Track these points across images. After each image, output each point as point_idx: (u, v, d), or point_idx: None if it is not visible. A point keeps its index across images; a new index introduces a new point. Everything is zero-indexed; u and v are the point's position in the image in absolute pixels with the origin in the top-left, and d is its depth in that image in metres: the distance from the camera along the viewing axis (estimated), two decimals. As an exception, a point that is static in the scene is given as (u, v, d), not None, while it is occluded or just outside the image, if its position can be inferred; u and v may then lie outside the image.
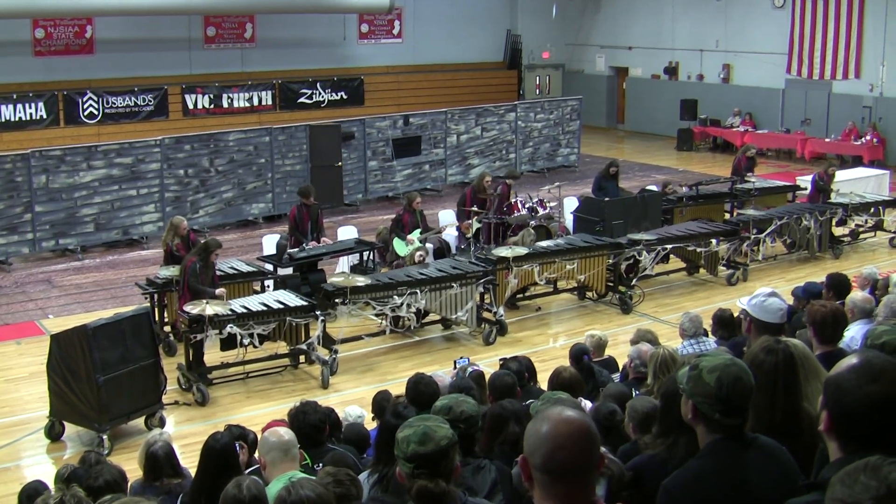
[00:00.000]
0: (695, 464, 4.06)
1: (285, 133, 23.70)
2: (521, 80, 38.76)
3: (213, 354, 13.35)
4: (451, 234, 18.89)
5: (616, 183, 20.27)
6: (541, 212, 18.17)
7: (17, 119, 29.25)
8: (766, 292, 6.24)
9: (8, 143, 28.21)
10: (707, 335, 10.02)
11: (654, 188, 20.15)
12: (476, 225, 17.86)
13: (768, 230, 18.21)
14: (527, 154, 28.53)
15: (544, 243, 16.45)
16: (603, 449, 3.90)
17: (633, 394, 7.63)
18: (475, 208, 17.77)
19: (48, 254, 19.82)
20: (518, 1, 37.80)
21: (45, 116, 29.50)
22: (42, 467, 10.93)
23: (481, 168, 25.67)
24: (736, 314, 9.58)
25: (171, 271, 14.49)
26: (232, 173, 22.72)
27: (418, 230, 16.65)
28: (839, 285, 9.94)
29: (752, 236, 17.97)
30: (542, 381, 9.02)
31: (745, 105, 32.99)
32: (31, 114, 29.46)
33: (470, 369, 9.13)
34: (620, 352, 10.97)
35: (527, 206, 18.33)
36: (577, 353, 9.75)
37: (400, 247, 16.73)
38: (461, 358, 10.00)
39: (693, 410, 4.03)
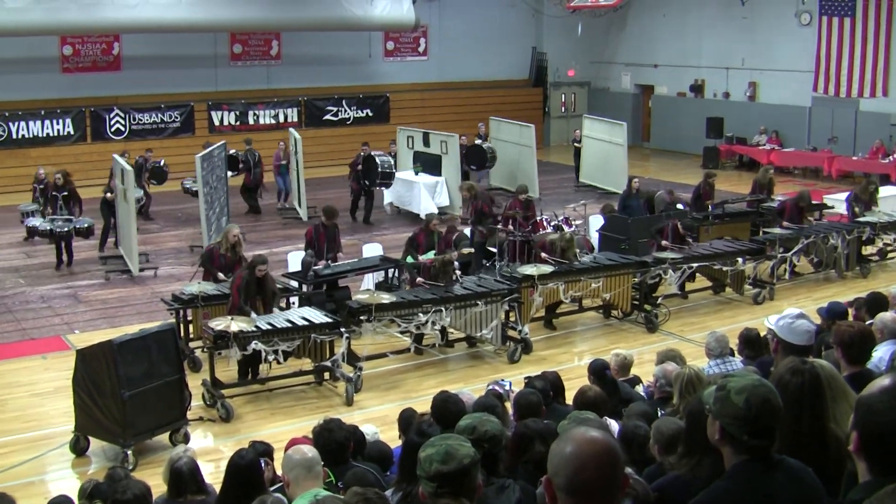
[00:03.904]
0: (721, 485, 4.01)
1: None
2: (547, 97, 38.79)
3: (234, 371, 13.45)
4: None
5: (639, 199, 20.21)
6: (566, 230, 18.10)
7: (44, 135, 29.58)
8: (795, 313, 6.19)
9: (35, 158, 28.45)
10: (733, 355, 9.96)
11: (679, 206, 20.08)
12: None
13: (795, 249, 18.12)
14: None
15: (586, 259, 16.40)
16: (627, 469, 3.88)
17: (658, 413, 7.59)
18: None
19: (75, 269, 19.86)
20: (543, 18, 37.84)
21: (72, 132, 29.78)
22: (67, 482, 10.96)
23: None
24: (763, 333, 9.52)
25: (198, 287, 14.54)
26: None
27: (432, 252, 16.49)
28: (875, 303, 9.82)
29: (779, 255, 17.88)
30: (568, 400, 8.97)
31: (771, 123, 32.88)
32: (58, 129, 29.76)
33: (489, 387, 9.07)
34: (645, 371, 10.90)
35: (552, 223, 18.31)
36: (599, 369, 9.60)
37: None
38: (502, 379, 9.85)
39: (720, 431, 3.98)
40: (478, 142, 26.85)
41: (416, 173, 25.92)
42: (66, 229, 19.52)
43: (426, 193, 25.23)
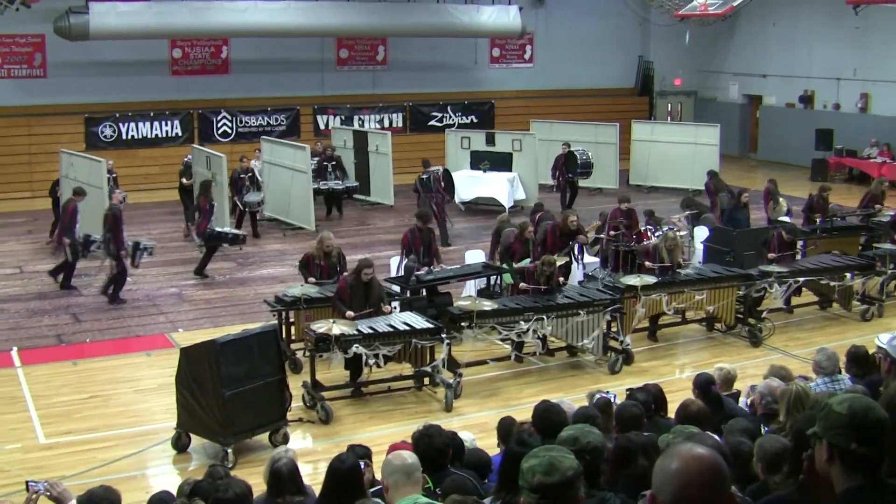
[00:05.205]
0: (831, 507, 3.90)
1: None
2: (653, 106, 38.48)
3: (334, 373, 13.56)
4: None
5: (747, 212, 19.98)
6: (670, 234, 17.87)
7: (153, 136, 30.18)
8: (909, 333, 6.03)
9: (143, 158, 29.08)
10: (840, 372, 9.74)
11: (786, 219, 19.78)
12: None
13: (905, 265, 17.68)
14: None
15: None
16: (732, 488, 3.80)
17: (762, 430, 7.45)
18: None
19: (179, 268, 20.19)
20: (650, 27, 37.58)
21: (180, 134, 30.32)
22: (168, 477, 11.12)
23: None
24: (871, 351, 9.30)
25: (300, 289, 14.66)
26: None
27: (528, 259, 16.41)
28: None
29: (889, 271, 17.45)
30: (670, 413, 8.84)
31: (883, 135, 32.12)
32: (166, 131, 30.34)
33: (597, 396, 8.93)
34: (749, 385, 10.72)
35: (656, 234, 18.14)
36: (704, 384, 9.36)
37: (507, 277, 16.62)
38: (607, 391, 9.72)
39: (828, 450, 3.85)
40: (572, 149, 26.80)
41: (484, 171, 27.36)
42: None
43: (507, 187, 26.73)
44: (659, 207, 21.49)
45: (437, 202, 23.17)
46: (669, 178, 29.60)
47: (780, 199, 21.50)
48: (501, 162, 27.57)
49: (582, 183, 27.18)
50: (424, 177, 23.72)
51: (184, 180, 23.73)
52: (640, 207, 20.82)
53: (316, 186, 25.20)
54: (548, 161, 27.44)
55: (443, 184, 23.97)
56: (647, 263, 16.24)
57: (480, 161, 27.65)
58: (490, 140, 28.32)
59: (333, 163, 25.50)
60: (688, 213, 20.66)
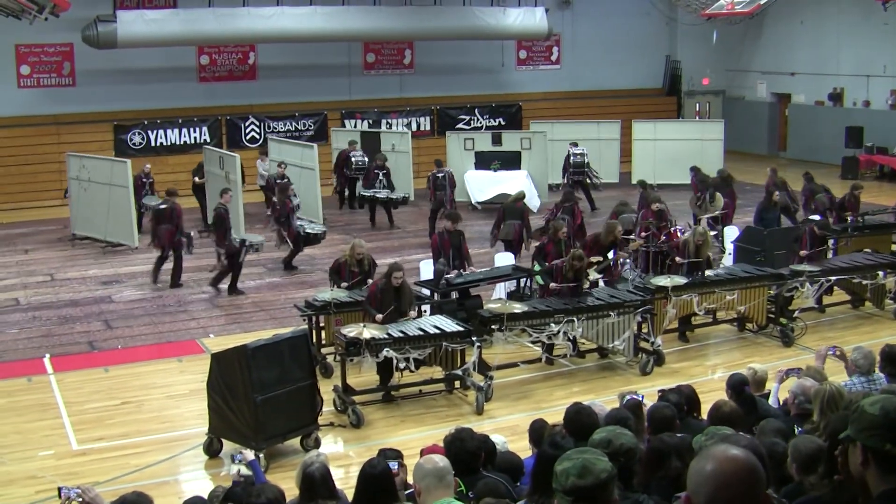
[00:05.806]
0: (867, 509, 3.85)
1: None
2: (681, 106, 38.35)
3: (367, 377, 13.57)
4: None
5: (779, 214, 19.88)
6: (700, 228, 17.78)
7: (181, 143, 30.38)
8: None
9: (173, 165, 29.21)
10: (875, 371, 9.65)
11: (817, 217, 19.66)
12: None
13: (938, 263, 17.52)
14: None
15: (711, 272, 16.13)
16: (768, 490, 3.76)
17: (796, 431, 7.39)
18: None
19: (209, 273, 20.25)
20: (677, 26, 37.45)
21: (208, 140, 30.41)
22: (200, 483, 11.15)
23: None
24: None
25: (331, 294, 14.68)
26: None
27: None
28: None
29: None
30: (703, 414, 8.79)
31: (914, 133, 31.93)
32: (195, 137, 30.51)
33: (628, 397, 8.88)
34: (783, 385, 10.64)
35: (685, 234, 18.07)
36: (737, 385, 9.28)
37: (538, 278, 16.55)
38: (637, 393, 9.65)
39: (863, 453, 3.81)
40: (570, 150, 27.00)
41: (495, 171, 27.65)
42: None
43: (528, 183, 26.70)
44: (668, 205, 21.27)
45: (446, 200, 23.73)
46: (677, 175, 29.25)
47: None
48: (511, 161, 27.84)
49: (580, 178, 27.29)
50: (440, 175, 23.97)
51: (196, 179, 24.60)
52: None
53: (370, 195, 25.72)
54: (557, 161, 27.98)
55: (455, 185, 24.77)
56: (677, 259, 16.17)
57: (489, 161, 27.86)
58: (496, 140, 28.70)
59: (385, 171, 25.70)
60: (713, 213, 20.57)
